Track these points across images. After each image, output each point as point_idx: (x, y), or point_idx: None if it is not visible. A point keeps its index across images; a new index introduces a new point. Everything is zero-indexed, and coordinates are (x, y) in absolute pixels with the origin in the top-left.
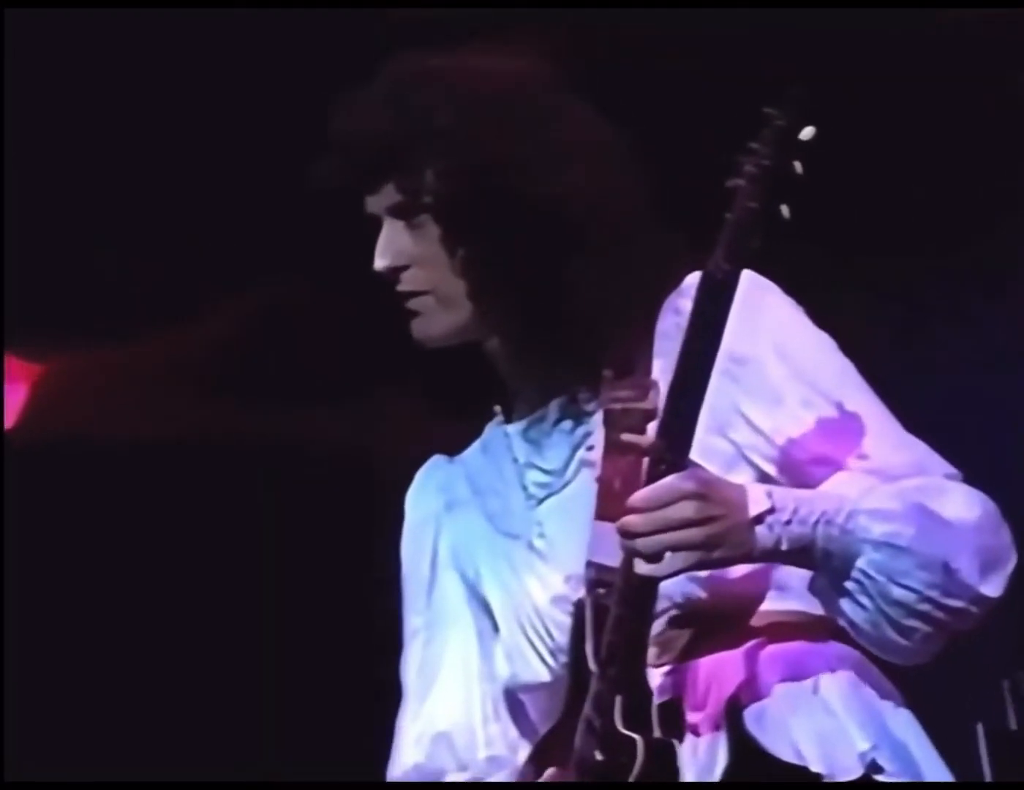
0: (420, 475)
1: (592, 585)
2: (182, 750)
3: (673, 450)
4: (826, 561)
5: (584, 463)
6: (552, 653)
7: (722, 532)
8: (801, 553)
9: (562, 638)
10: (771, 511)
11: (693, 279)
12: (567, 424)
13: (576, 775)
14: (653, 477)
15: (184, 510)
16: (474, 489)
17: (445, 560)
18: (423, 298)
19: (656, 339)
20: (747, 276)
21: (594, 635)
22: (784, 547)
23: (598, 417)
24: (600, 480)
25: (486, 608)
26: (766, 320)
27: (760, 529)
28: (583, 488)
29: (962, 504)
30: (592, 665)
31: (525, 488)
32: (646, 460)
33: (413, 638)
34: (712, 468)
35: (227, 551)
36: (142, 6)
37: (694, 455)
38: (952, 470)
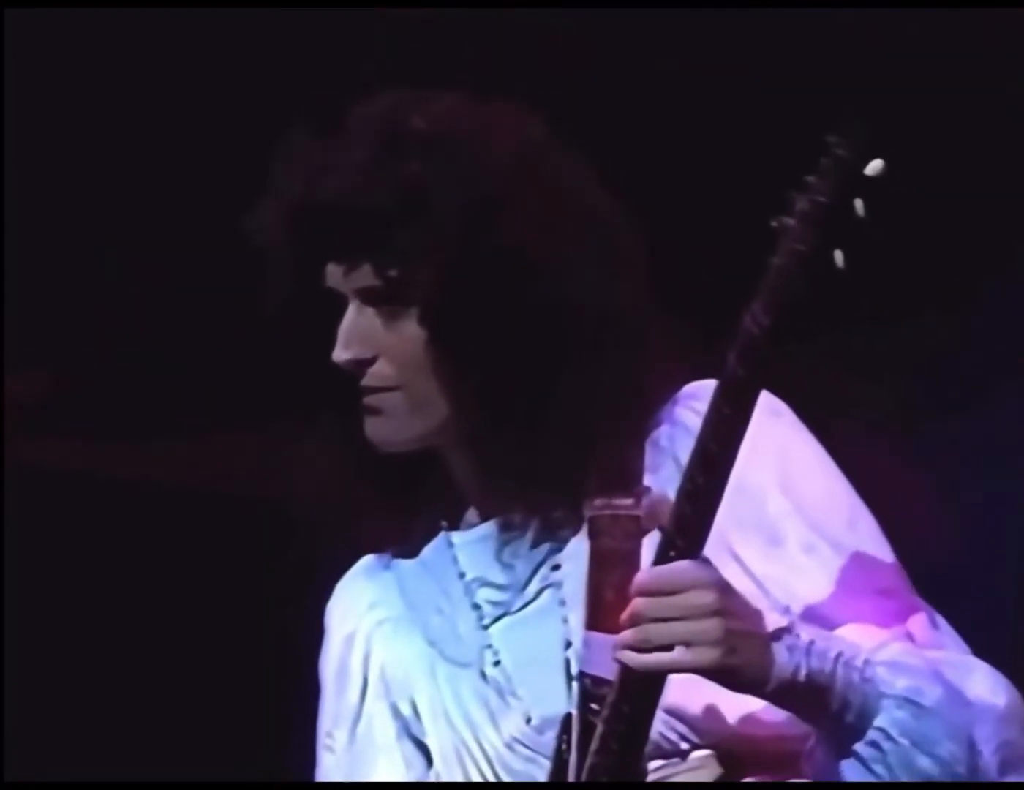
0: (348, 581)
1: (584, 699)
2: (182, 750)
3: (687, 537)
4: (841, 712)
5: (549, 583)
6: None
7: (742, 633)
8: (817, 693)
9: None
10: (788, 630)
11: (692, 389)
12: (529, 538)
13: None
14: (662, 563)
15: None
16: (409, 604)
17: (375, 689)
18: (389, 395)
19: (647, 448)
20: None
21: (579, 756)
22: (802, 679)
23: (570, 535)
24: (590, 590)
25: (422, 747)
26: (771, 445)
27: (778, 648)
28: (546, 610)
29: (987, 687)
30: (573, 780)
31: (476, 606)
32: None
33: (334, 769)
34: None
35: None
36: (142, 6)
37: None
38: (966, 648)
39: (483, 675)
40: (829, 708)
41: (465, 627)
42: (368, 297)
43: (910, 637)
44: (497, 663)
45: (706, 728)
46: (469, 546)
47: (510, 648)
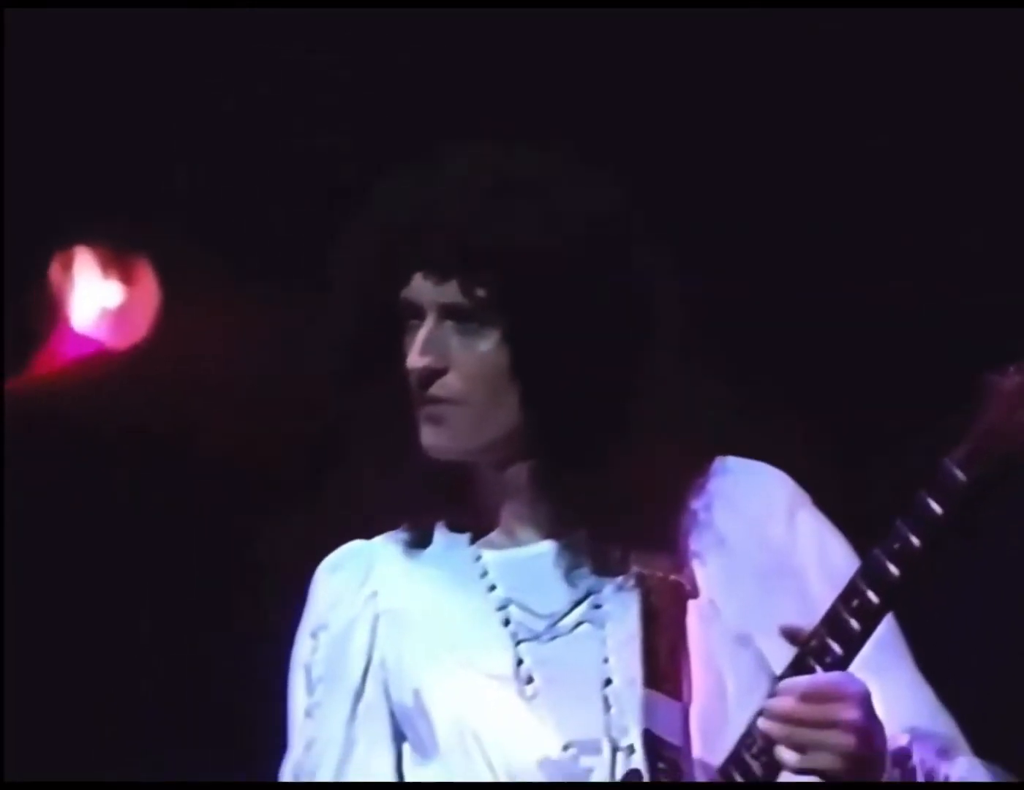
0: (340, 562)
1: (652, 758)
2: (182, 750)
3: (847, 649)
4: None
5: (588, 619)
6: None
7: (873, 752)
8: None
9: None
10: (906, 752)
11: (729, 463)
12: (570, 572)
13: None
14: (803, 667)
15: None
16: (420, 602)
17: (376, 674)
18: (453, 408)
19: (687, 517)
20: (785, 480)
21: None
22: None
23: (609, 579)
24: (645, 648)
25: (421, 740)
26: (808, 530)
27: (892, 766)
28: (582, 645)
29: None
30: None
31: (507, 622)
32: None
33: (329, 745)
34: (729, 675)
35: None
36: (142, 6)
37: (709, 658)
38: (969, 750)
39: (521, 692)
40: None
41: (495, 640)
42: (449, 312)
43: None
44: (529, 682)
45: None
46: (503, 566)
47: (543, 672)
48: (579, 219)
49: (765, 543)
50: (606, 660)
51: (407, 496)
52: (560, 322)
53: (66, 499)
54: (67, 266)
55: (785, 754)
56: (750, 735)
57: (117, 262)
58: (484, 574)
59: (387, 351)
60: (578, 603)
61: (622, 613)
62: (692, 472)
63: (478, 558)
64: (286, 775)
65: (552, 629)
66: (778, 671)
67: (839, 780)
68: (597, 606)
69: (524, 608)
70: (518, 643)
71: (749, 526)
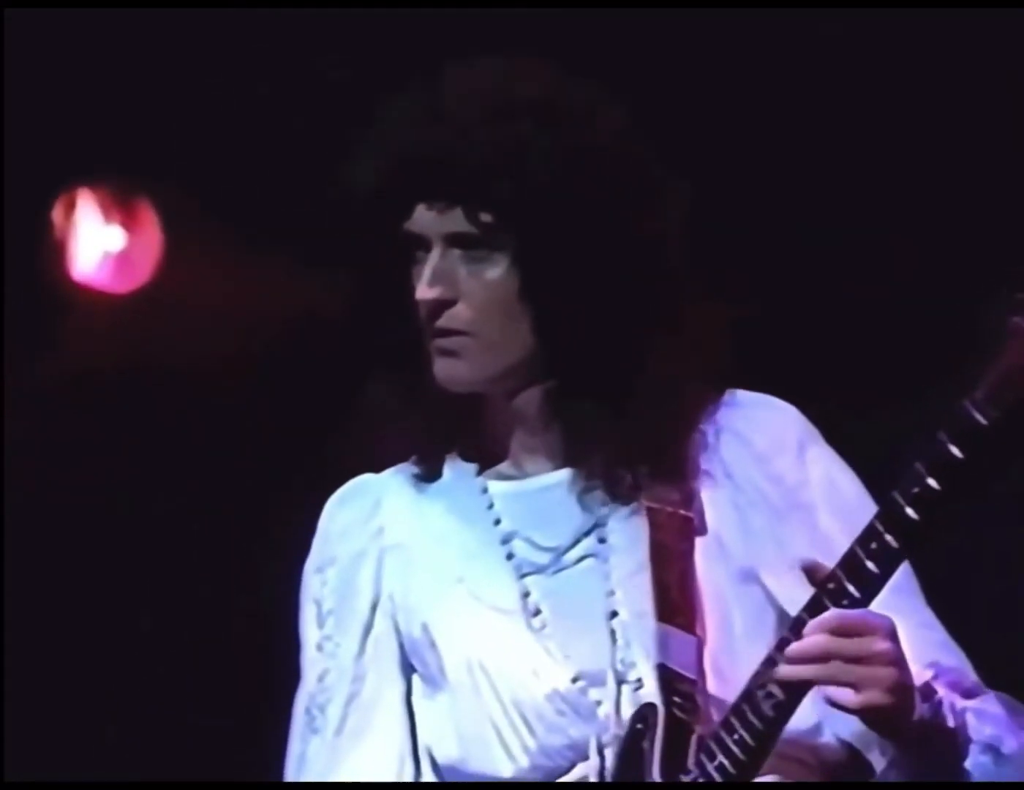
0: (348, 498)
1: (667, 693)
2: (182, 750)
3: (865, 591)
4: (940, 755)
5: (593, 553)
6: (525, 750)
7: (903, 683)
8: (930, 740)
9: (548, 738)
10: (931, 686)
11: (739, 397)
12: (576, 504)
13: None
14: (820, 608)
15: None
16: (427, 535)
17: (385, 608)
18: (463, 338)
19: (695, 446)
20: (795, 415)
21: (666, 747)
22: (928, 730)
23: (617, 509)
24: (656, 582)
25: (430, 673)
26: (819, 468)
27: (919, 700)
28: (587, 578)
29: None
30: (654, 776)
31: (511, 556)
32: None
33: (340, 677)
34: (735, 610)
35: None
36: (142, 6)
37: (716, 593)
38: (980, 682)
39: (529, 625)
40: (932, 751)
41: (501, 574)
42: (456, 241)
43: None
44: (536, 614)
45: None
46: (509, 498)
47: (550, 604)
48: (583, 137)
49: (773, 478)
50: (611, 593)
51: (418, 429)
52: (568, 243)
53: (66, 440)
54: (70, 209)
55: (838, 694)
56: (763, 673)
57: (119, 206)
58: (490, 506)
59: (395, 284)
60: (583, 536)
61: (627, 546)
62: (703, 402)
63: (484, 490)
64: (299, 707)
65: (557, 562)
66: (785, 607)
67: (885, 719)
68: (602, 540)
69: (528, 541)
70: (522, 576)
71: (758, 460)
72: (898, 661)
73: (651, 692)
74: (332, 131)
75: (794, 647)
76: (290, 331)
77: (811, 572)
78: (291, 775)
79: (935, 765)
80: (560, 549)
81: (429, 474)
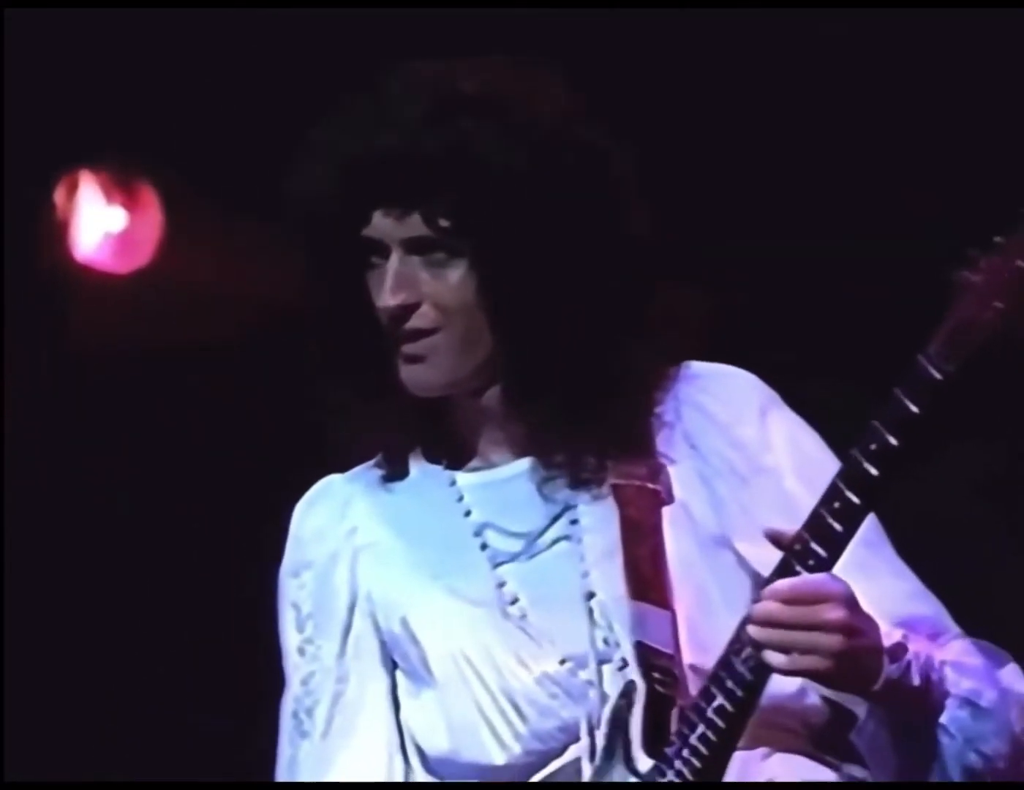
0: (318, 499)
1: (647, 669)
2: (182, 749)
3: (830, 550)
4: (917, 711)
5: (566, 535)
6: (516, 736)
7: (861, 648)
8: (906, 697)
9: (539, 723)
10: (901, 645)
11: (697, 369)
12: (545, 487)
13: None
14: (788, 571)
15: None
16: (398, 533)
17: (363, 607)
18: (431, 339)
19: (654, 421)
20: (753, 381)
21: (648, 721)
22: (901, 687)
23: (585, 491)
24: (627, 559)
25: (413, 667)
26: (782, 432)
27: (888, 661)
28: (561, 561)
29: (1021, 682)
30: (638, 752)
31: (484, 547)
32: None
33: (324, 679)
34: (709, 579)
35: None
36: (142, 6)
37: (688, 564)
38: (959, 629)
39: (505, 614)
40: (908, 707)
41: (474, 565)
42: (414, 246)
43: (933, 621)
44: (514, 602)
45: None
46: (478, 489)
47: (527, 591)
48: (526, 127)
49: (737, 444)
50: (587, 574)
51: (383, 428)
52: (522, 236)
53: (70, 416)
54: (72, 191)
55: (773, 658)
56: (738, 640)
57: (121, 188)
58: (460, 499)
59: (353, 289)
60: (554, 520)
61: (599, 526)
62: (661, 378)
63: (453, 483)
64: (286, 712)
65: (531, 547)
66: (760, 571)
67: (832, 682)
68: (574, 521)
69: (500, 530)
70: (496, 566)
71: (720, 429)
72: (848, 628)
73: (634, 670)
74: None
75: (751, 609)
76: (286, 311)
77: (776, 539)
78: (282, 779)
79: (910, 720)
80: (533, 534)
81: (395, 472)
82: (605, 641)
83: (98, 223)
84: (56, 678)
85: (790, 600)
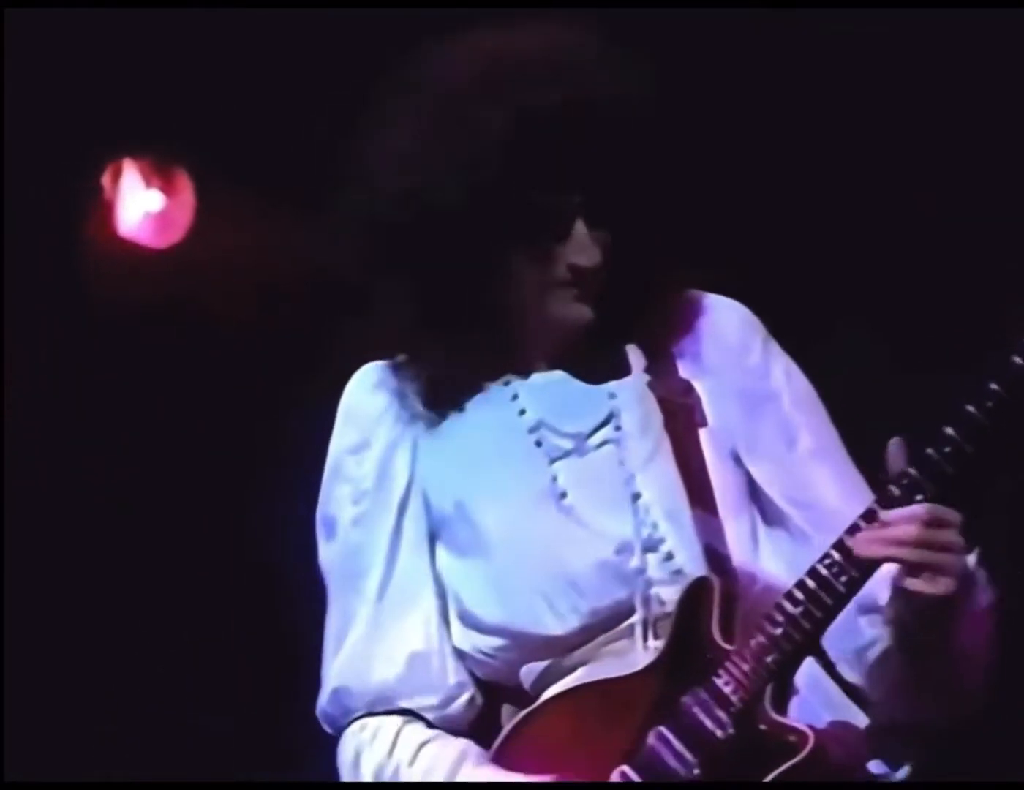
0: (380, 384)
1: (718, 570)
2: (182, 749)
3: (940, 488)
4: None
5: (611, 439)
6: (575, 609)
7: (970, 574)
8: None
9: (597, 600)
10: (979, 564)
11: (702, 297)
12: (593, 395)
13: (687, 748)
14: (898, 501)
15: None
16: (457, 424)
17: (418, 488)
18: (592, 285)
19: (673, 349)
20: (751, 314)
21: (724, 616)
22: (983, 598)
23: (628, 398)
24: (681, 469)
25: (464, 542)
26: (779, 361)
27: (977, 569)
28: (606, 463)
29: None
30: (720, 642)
31: (539, 444)
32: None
33: (375, 554)
34: (726, 498)
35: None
36: (142, 6)
37: (711, 477)
38: None
39: (560, 504)
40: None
41: (530, 459)
42: (586, 215)
43: None
44: (564, 496)
45: None
46: (531, 388)
47: (577, 488)
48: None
49: (746, 370)
50: (632, 476)
51: (476, 354)
52: (635, 184)
53: (100, 380)
54: (117, 176)
55: (918, 584)
56: (830, 555)
57: (158, 173)
58: (514, 397)
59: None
60: (602, 424)
61: (639, 434)
62: (677, 300)
63: (507, 383)
64: (337, 572)
65: (581, 447)
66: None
67: (947, 605)
68: (618, 427)
69: (552, 429)
70: (552, 462)
71: (732, 355)
72: (966, 552)
73: (681, 563)
74: (354, 102)
75: (885, 532)
76: (310, 286)
77: (895, 453)
78: (333, 630)
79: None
80: (582, 435)
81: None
82: (650, 536)
83: (139, 204)
84: (56, 678)
85: (931, 523)
